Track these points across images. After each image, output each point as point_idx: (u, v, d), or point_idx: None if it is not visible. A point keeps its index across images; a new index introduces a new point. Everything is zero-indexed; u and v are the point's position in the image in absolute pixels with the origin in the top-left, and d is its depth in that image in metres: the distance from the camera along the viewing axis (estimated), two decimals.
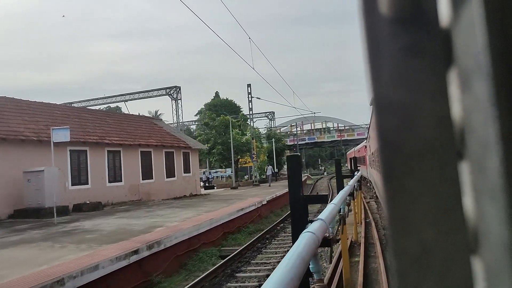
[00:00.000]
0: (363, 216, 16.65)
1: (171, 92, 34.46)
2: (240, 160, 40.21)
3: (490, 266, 0.39)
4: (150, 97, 35.53)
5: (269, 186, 31.66)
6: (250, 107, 37.30)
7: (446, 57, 0.43)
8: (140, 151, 23.61)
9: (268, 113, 54.20)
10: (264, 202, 21.26)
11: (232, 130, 38.58)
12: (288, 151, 51.35)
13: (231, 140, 33.74)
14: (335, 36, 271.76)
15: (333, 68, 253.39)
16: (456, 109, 0.43)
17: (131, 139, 22.83)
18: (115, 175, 21.65)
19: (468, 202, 0.41)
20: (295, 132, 66.39)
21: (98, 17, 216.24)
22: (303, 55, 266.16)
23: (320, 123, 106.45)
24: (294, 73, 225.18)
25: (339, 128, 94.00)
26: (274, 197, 23.95)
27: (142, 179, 23.63)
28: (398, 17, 0.55)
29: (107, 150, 21.18)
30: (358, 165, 29.19)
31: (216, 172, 57.37)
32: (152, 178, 24.50)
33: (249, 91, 37.29)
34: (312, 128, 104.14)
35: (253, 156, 36.74)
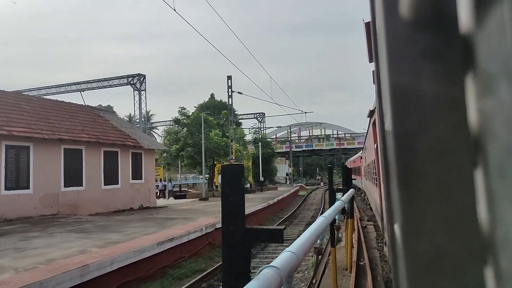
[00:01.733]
0: (354, 257, 10.74)
1: (134, 81, 28.65)
2: (217, 165, 34.30)
3: (506, 273, 0.37)
4: (110, 86, 29.78)
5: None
6: (230, 102, 31.44)
7: (465, 62, 0.42)
8: (64, 148, 17.69)
9: (257, 114, 48.33)
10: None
11: (211, 131, 32.74)
12: (277, 158, 45.35)
13: (203, 140, 27.84)
14: (335, 45, 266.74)
15: (334, 77, 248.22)
16: (474, 114, 0.42)
17: (49, 131, 16.91)
18: (17, 180, 15.72)
19: (483, 207, 0.40)
20: (289, 138, 60.31)
21: (105, 19, 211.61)
22: (304, 64, 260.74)
23: (319, 129, 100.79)
24: (295, 82, 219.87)
25: (339, 136, 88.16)
26: None
27: (65, 186, 17.69)
28: (417, 22, 0.56)
29: (6, 145, 15.27)
30: (353, 177, 27.64)
31: (198, 178, 51.60)
32: (82, 185, 18.55)
33: (229, 84, 31.45)
34: (310, 134, 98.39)
35: (231, 161, 30.78)
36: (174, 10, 16.43)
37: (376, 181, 13.40)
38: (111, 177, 20.20)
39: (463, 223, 0.54)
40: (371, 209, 21.07)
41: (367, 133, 19.27)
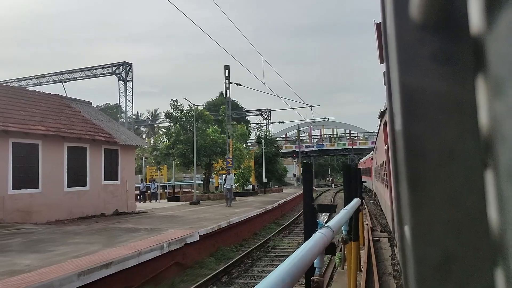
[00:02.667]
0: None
1: (119, 70, 25.64)
2: (215, 165, 31.14)
3: None
4: (94, 76, 26.82)
5: (228, 205, 21.87)
6: (228, 95, 28.29)
7: (475, 64, 0.43)
8: (13, 142, 14.70)
9: (262, 111, 44.97)
10: (194, 238, 12.14)
11: (208, 127, 29.64)
12: (281, 158, 42.03)
13: (194, 136, 24.72)
14: (346, 47, 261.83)
15: (346, 78, 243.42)
16: (484, 117, 0.42)
17: None
18: None
19: (493, 210, 0.40)
20: (298, 137, 56.86)
21: (118, 21, 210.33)
22: (315, 65, 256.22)
23: (331, 129, 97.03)
24: (306, 83, 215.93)
25: (351, 135, 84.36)
26: (225, 226, 14.80)
27: (14, 188, 14.69)
28: (427, 24, 0.57)
29: None
30: (363, 180, 27.58)
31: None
32: (37, 187, 15.53)
33: (226, 74, 28.33)
34: (322, 134, 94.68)
35: (229, 160, 27.63)
36: (184, 14, 13.41)
37: (387, 182, 12.94)
38: (77, 177, 17.16)
39: (473, 227, 0.54)
40: (384, 216, 19.31)
41: (377, 134, 19.00)
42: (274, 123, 44.73)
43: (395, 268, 10.88)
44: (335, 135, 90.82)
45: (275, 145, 39.25)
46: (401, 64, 0.59)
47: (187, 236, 11.79)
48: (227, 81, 28.19)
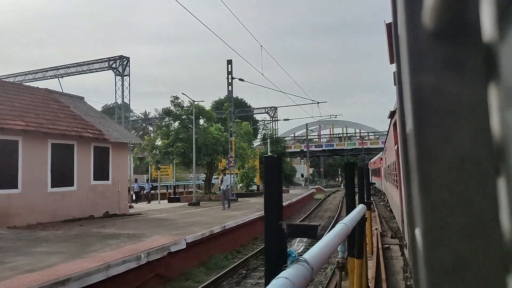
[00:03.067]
0: None
1: (116, 64, 24.41)
2: (218, 164, 29.81)
3: None
4: (91, 71, 25.62)
5: (225, 209, 20.06)
6: (230, 89, 26.93)
7: (487, 71, 0.43)
8: None
9: (268, 108, 43.45)
10: (180, 246, 10.77)
11: (212, 125, 28.35)
12: (289, 158, 40.50)
13: (193, 133, 23.40)
14: (362, 46, 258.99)
15: (361, 79, 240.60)
16: (496, 123, 0.43)
17: None
18: None
19: (506, 215, 0.41)
20: (306, 136, 55.29)
21: (133, 22, 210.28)
22: (329, 65, 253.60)
23: (340, 128, 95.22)
24: (318, 83, 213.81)
25: (362, 134, 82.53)
26: (218, 231, 13.44)
27: None
28: (439, 31, 0.57)
29: None
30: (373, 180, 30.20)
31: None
32: (17, 187, 14.30)
33: (229, 69, 26.98)
34: (331, 133, 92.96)
35: (231, 160, 26.29)
36: (197, 18, 12.05)
37: (397, 182, 12.82)
38: (62, 176, 15.92)
39: (485, 233, 0.54)
40: (395, 219, 18.67)
41: (387, 134, 18.68)
42: (278, 120, 43.16)
43: (408, 283, 9.43)
44: (344, 135, 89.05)
45: (282, 144, 37.67)
46: (413, 70, 0.59)
47: (171, 244, 10.43)
48: (230, 76, 26.81)
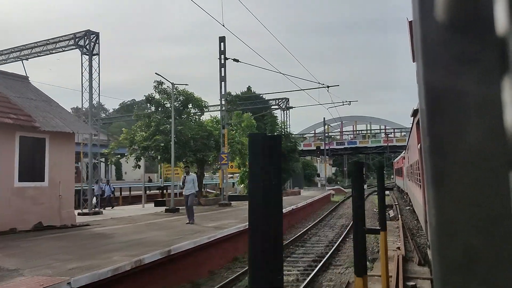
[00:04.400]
0: None
1: (84, 42, 20.28)
2: (213, 162, 25.42)
3: None
4: (57, 50, 21.66)
5: (191, 222, 14.24)
6: (223, 74, 22.50)
7: (501, 65, 0.43)
8: None
9: (279, 100, 38.72)
10: None
11: (201, 114, 24.11)
12: (308, 156, 35.73)
13: (172, 125, 19.07)
14: (385, 44, 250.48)
15: (384, 76, 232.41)
16: (510, 119, 0.43)
17: None
18: None
19: None
20: (324, 132, 50.29)
21: (156, 22, 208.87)
22: (353, 63, 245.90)
23: (364, 125, 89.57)
24: (345, 81, 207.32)
25: (386, 131, 76.77)
26: (156, 259, 9.01)
27: None
28: (452, 25, 0.57)
29: None
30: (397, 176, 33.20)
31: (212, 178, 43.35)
32: None
33: (221, 48, 22.56)
34: (354, 129, 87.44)
35: (223, 156, 21.89)
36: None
37: (420, 182, 12.75)
38: None
39: (497, 227, 0.54)
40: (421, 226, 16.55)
41: (410, 132, 18.32)
42: (285, 109, 38.25)
43: None
44: (368, 132, 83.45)
45: (292, 139, 32.96)
46: (426, 64, 0.59)
47: None
48: (222, 56, 22.37)
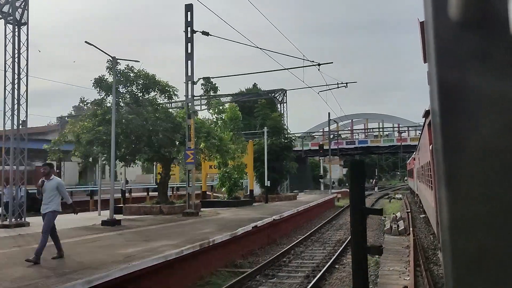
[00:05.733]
0: None
1: (8, 9, 15.99)
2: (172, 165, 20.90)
3: None
4: None
5: (57, 256, 8.77)
6: (189, 51, 18.05)
7: None
8: None
9: (275, 92, 34.02)
10: None
11: (166, 100, 19.88)
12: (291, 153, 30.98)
13: (113, 113, 14.67)
14: (396, 45, 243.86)
15: (396, 77, 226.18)
16: None
17: None
18: None
19: None
20: (329, 130, 45.52)
21: (167, 23, 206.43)
22: (363, 64, 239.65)
23: (376, 123, 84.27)
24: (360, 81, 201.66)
25: (400, 129, 71.38)
26: None
27: None
28: (466, 22, 0.57)
29: None
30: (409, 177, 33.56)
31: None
32: None
33: (188, 18, 18.13)
34: (365, 127, 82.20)
35: (189, 153, 17.43)
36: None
37: (431, 183, 12.84)
38: None
39: (509, 225, 0.54)
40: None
41: (421, 133, 18.51)
42: (281, 102, 33.52)
43: None
44: (380, 130, 78.21)
45: (287, 136, 28.25)
46: (440, 61, 0.59)
47: None
48: (189, 28, 17.91)
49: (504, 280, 0.53)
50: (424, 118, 12.43)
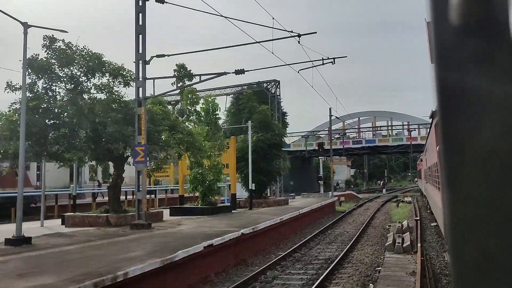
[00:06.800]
0: None
1: None
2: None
3: None
4: None
5: None
6: (141, 23, 14.55)
7: None
8: None
9: (267, 82, 30.33)
10: None
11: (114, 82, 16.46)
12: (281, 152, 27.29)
13: (23, 101, 11.17)
14: (408, 45, 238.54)
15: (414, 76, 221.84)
16: None
17: None
18: None
19: None
20: (330, 127, 41.69)
21: (190, 26, 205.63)
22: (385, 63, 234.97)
23: (385, 121, 79.95)
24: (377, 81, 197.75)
25: (410, 127, 67.09)
26: None
27: None
28: (467, 26, 0.57)
29: None
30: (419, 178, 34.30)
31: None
32: None
33: None
34: (373, 126, 77.97)
35: (138, 150, 13.90)
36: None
37: (438, 184, 12.50)
38: None
39: (510, 225, 0.53)
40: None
41: (428, 134, 18.73)
42: (272, 93, 29.75)
43: None
44: (389, 128, 73.93)
45: (276, 132, 24.51)
46: (441, 64, 0.59)
47: None
48: None
49: (506, 281, 0.52)
50: (431, 119, 12.42)
